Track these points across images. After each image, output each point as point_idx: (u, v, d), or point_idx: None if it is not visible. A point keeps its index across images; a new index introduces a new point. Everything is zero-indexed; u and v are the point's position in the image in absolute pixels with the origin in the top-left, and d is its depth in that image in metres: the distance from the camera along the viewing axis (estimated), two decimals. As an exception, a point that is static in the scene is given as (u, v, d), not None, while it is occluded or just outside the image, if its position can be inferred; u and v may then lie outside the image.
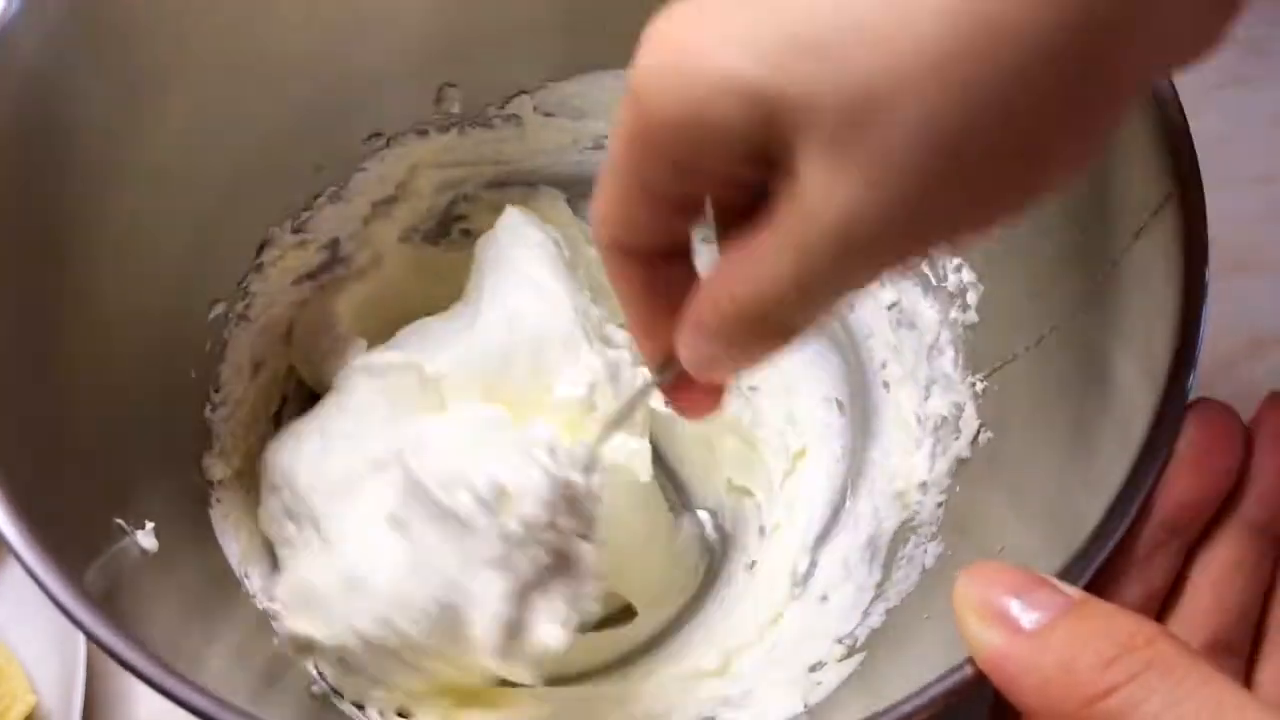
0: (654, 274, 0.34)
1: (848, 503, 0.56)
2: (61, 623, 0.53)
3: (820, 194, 0.26)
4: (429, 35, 0.53)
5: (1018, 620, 0.32)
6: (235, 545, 0.50)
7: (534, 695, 0.50)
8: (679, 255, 0.34)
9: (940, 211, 0.26)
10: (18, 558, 0.36)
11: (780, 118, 0.26)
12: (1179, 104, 0.40)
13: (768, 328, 0.31)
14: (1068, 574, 0.36)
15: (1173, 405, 0.37)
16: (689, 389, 0.38)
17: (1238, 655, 0.36)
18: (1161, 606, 0.37)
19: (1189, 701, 0.29)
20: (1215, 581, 0.36)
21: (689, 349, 0.33)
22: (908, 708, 0.34)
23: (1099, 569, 0.36)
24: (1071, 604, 0.32)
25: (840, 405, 0.58)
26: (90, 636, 0.35)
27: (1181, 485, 0.36)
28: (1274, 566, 0.37)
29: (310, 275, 0.56)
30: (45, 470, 0.40)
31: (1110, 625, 0.31)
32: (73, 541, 0.39)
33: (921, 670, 0.41)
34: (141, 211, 0.48)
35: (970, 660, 0.34)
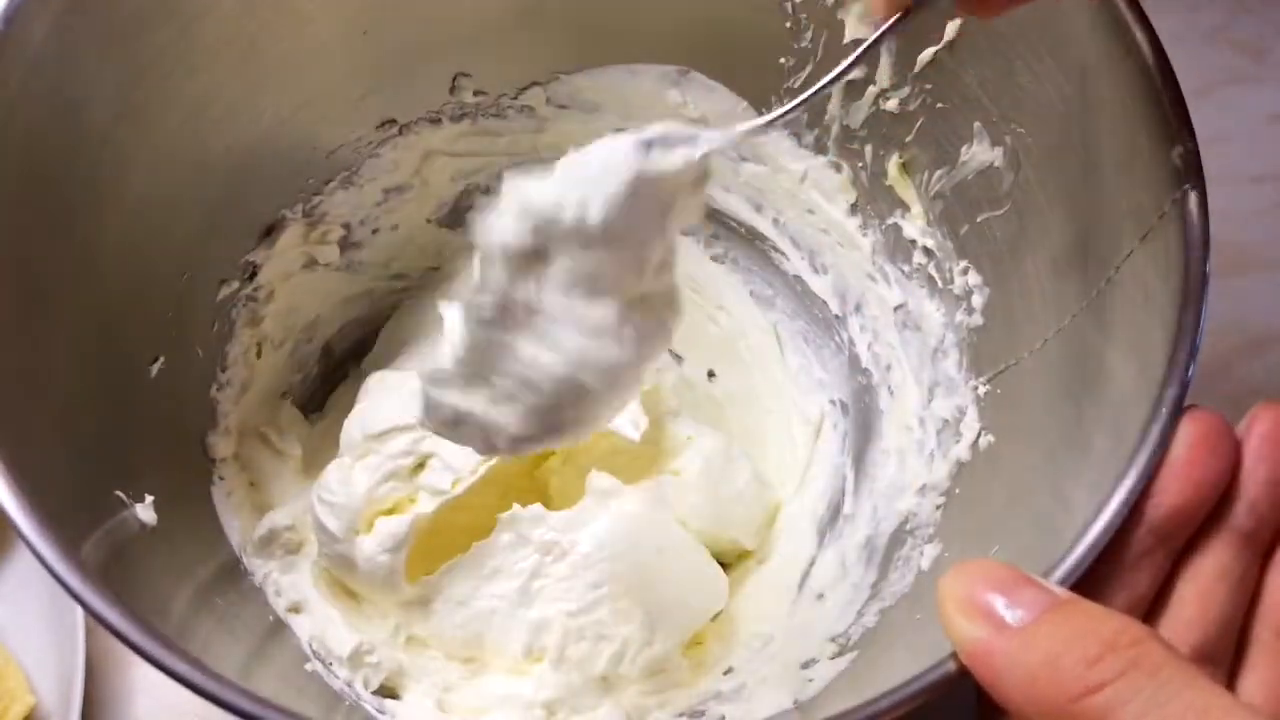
0: None
1: (847, 503, 0.56)
2: (61, 624, 0.53)
3: None
4: (443, 24, 0.54)
5: (1002, 617, 0.32)
6: (235, 522, 0.50)
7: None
8: None
9: None
10: (15, 528, 0.36)
11: None
12: (1184, 108, 0.40)
13: None
14: (1054, 577, 0.36)
15: (1166, 411, 0.36)
16: None
17: (1220, 665, 0.36)
18: (1146, 614, 0.37)
19: (1174, 703, 0.29)
20: (1201, 591, 0.36)
21: None
22: (886, 703, 0.34)
23: (1084, 574, 0.35)
24: (1057, 602, 0.32)
25: (843, 406, 0.59)
26: (84, 605, 0.35)
27: (1171, 493, 0.36)
28: (1259, 576, 0.37)
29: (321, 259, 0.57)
30: (47, 443, 0.40)
31: (1097, 624, 0.31)
32: (72, 513, 0.40)
33: (911, 670, 0.41)
34: (150, 191, 0.48)
35: (954, 656, 0.34)
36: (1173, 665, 0.30)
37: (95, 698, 0.54)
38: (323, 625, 0.49)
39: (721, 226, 0.61)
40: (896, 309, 0.55)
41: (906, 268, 0.54)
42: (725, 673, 0.52)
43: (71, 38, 0.43)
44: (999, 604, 0.32)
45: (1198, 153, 0.39)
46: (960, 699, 0.36)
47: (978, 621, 0.32)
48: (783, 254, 0.60)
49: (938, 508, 0.50)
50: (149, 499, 0.44)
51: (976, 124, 0.48)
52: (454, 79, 0.56)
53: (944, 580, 0.34)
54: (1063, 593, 0.33)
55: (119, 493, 0.43)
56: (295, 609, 0.49)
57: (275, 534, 0.50)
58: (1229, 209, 0.49)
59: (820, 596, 0.53)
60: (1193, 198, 0.39)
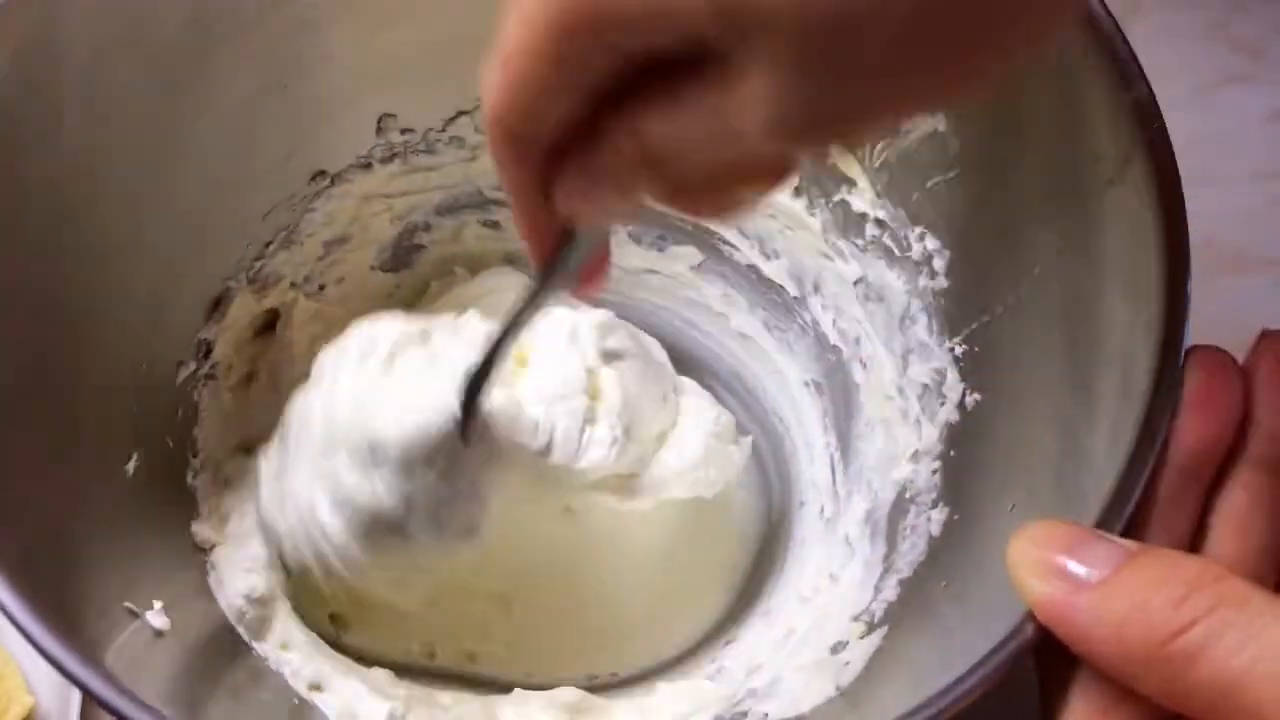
0: (548, 166, 0.32)
1: (839, 480, 0.56)
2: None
3: (767, 86, 0.26)
4: (363, 70, 0.53)
5: (1078, 575, 0.32)
6: (237, 609, 0.49)
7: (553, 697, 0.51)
8: (566, 146, 0.32)
9: (873, 106, 0.27)
10: (42, 652, 0.35)
11: (743, 20, 0.25)
12: (1131, 52, 0.40)
13: (670, 175, 0.30)
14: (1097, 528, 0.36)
15: (1176, 347, 0.37)
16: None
17: None
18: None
19: (1267, 633, 0.30)
20: (1237, 525, 0.36)
21: (576, 191, 0.32)
22: (973, 680, 0.34)
23: (1126, 523, 0.36)
24: (1131, 553, 0.33)
25: (817, 386, 0.59)
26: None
27: (1192, 430, 0.36)
28: None
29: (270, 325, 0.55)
30: (51, 565, 0.39)
31: (1175, 568, 0.32)
32: (86, 631, 0.38)
33: (951, 640, 0.42)
34: (94, 287, 0.46)
35: (1031, 619, 0.34)
36: (1259, 597, 0.30)
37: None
38: (350, 700, 0.47)
39: (668, 228, 0.60)
40: (856, 283, 0.55)
41: (860, 241, 0.54)
42: (751, 670, 0.52)
43: (4, 142, 0.41)
44: (1072, 563, 0.33)
45: (1153, 95, 0.40)
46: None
47: (1054, 581, 0.33)
48: (732, 245, 0.60)
49: (934, 472, 0.50)
50: (157, 605, 0.43)
51: (914, 91, 0.49)
52: (379, 121, 0.55)
53: (1012, 546, 0.34)
54: (1133, 544, 0.33)
55: (127, 604, 0.42)
56: (316, 687, 0.48)
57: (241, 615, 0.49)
58: (1226, 207, 0.50)
59: (832, 578, 0.53)
60: (1156, 138, 0.39)
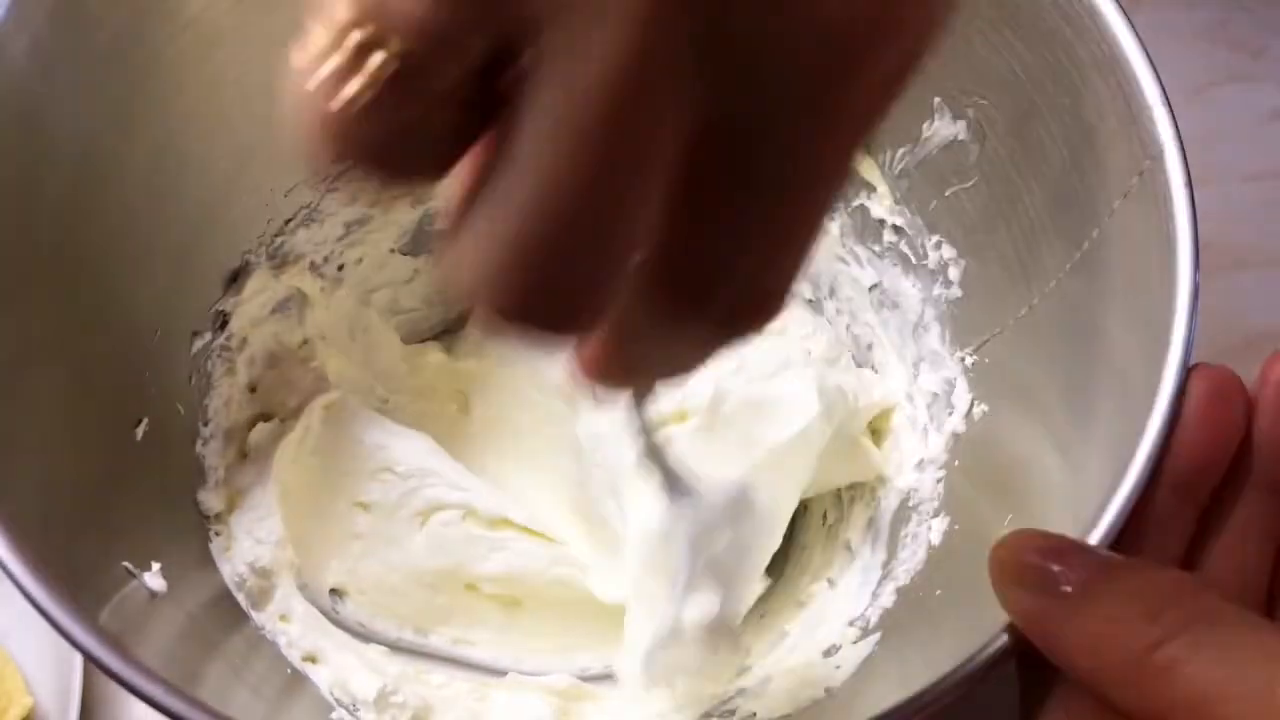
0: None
1: (843, 486, 0.56)
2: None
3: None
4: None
5: (1057, 583, 0.32)
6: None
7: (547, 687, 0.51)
8: None
9: None
10: (38, 608, 0.35)
11: None
12: (1151, 65, 0.40)
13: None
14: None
15: (1176, 366, 0.37)
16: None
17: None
18: None
19: (1240, 650, 0.29)
20: (1229, 546, 0.36)
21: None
22: (947, 684, 0.34)
23: (1116, 539, 0.36)
24: (1109, 564, 0.32)
25: (825, 389, 0.59)
26: (121, 680, 0.35)
27: (1191, 448, 0.36)
28: None
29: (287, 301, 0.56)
30: (49, 521, 0.39)
31: (1153, 581, 0.31)
32: (84, 588, 0.39)
33: (941, 646, 0.42)
34: (114, 250, 0.47)
35: (1008, 628, 0.34)
36: (1234, 613, 0.30)
37: (93, 699, 0.54)
38: (343, 673, 0.48)
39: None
40: (871, 289, 0.55)
41: (877, 247, 0.54)
42: (741, 670, 0.52)
43: (45, 77, 0.42)
44: (1052, 570, 0.33)
45: (1171, 110, 0.40)
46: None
47: (1033, 589, 0.33)
48: (750, 246, 0.60)
49: (938, 482, 0.50)
50: (155, 566, 0.43)
51: (936, 99, 0.49)
52: (405, 104, 0.55)
53: (993, 553, 0.34)
54: (1113, 555, 0.33)
55: (126, 564, 0.42)
56: (310, 659, 0.48)
57: (241, 583, 0.49)
58: (1226, 207, 0.49)
59: (830, 582, 0.53)
60: (1171, 152, 0.39)
